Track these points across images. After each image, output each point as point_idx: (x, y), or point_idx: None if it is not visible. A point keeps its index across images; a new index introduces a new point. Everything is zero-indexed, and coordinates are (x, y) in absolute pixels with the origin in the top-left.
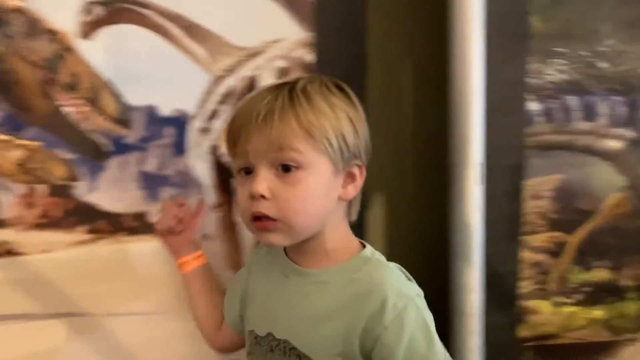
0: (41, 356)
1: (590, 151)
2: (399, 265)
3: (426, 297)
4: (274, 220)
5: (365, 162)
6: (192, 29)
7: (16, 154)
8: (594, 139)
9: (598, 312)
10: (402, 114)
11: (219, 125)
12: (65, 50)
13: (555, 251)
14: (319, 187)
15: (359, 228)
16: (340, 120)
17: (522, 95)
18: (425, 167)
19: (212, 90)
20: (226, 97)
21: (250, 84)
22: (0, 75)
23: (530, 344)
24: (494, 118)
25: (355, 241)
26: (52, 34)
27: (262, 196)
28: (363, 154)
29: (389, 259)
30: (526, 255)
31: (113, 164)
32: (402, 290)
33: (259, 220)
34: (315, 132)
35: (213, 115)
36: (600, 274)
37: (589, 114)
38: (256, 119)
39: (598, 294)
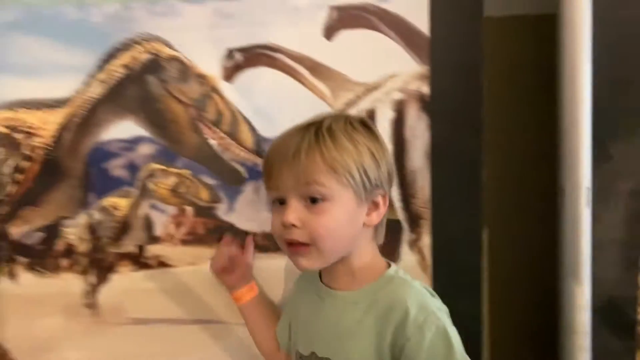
0: (182, 356)
1: None
2: (422, 283)
3: (536, 315)
4: (306, 245)
5: (389, 191)
6: (316, 69)
7: (169, 181)
8: None
9: None
10: (515, 141)
11: None
12: (211, 91)
13: None
14: (343, 216)
15: (474, 247)
16: (362, 155)
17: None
18: (535, 190)
19: None
20: None
21: (370, 116)
22: (157, 114)
23: None
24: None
25: (382, 262)
26: (201, 78)
27: (293, 225)
28: (386, 184)
29: (499, 278)
30: None
31: (248, 189)
32: (423, 305)
33: (292, 245)
34: (339, 168)
35: None
36: None
37: None
38: (285, 156)
39: None
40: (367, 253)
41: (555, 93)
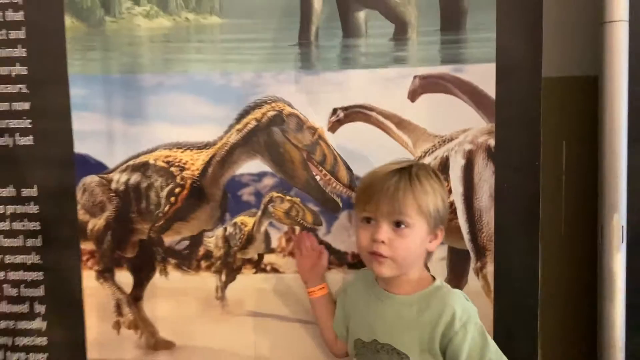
0: (284, 347)
1: None
2: (462, 292)
3: (577, 332)
4: (385, 257)
5: (445, 225)
6: (402, 124)
7: (285, 205)
8: None
9: None
10: (564, 183)
11: None
12: (319, 139)
13: None
14: (417, 241)
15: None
16: (437, 198)
17: None
18: (578, 227)
19: None
20: None
21: (444, 163)
22: (278, 156)
23: None
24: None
25: (428, 275)
26: (312, 129)
27: (383, 242)
28: (445, 221)
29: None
30: None
31: (343, 216)
32: (465, 308)
33: (376, 255)
34: (423, 206)
35: None
36: None
37: None
38: (386, 192)
39: None
40: (420, 268)
41: (597, 142)
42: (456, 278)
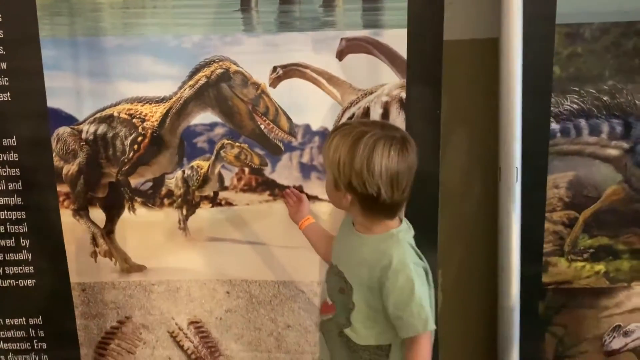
0: (238, 264)
1: (595, 156)
2: (413, 245)
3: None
4: None
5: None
6: (331, 79)
7: (234, 151)
8: (597, 148)
9: (600, 267)
10: (466, 131)
11: None
12: (262, 93)
13: (569, 224)
14: (328, 187)
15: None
16: (337, 155)
17: (547, 120)
18: (481, 169)
19: (342, 115)
20: (350, 118)
21: (365, 112)
22: (227, 108)
23: (550, 287)
24: (528, 135)
25: (396, 222)
26: (256, 85)
27: None
28: (345, 185)
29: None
30: (549, 226)
31: (285, 157)
32: (402, 259)
33: None
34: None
35: None
36: (602, 240)
37: (594, 131)
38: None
39: (600, 254)
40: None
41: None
42: None
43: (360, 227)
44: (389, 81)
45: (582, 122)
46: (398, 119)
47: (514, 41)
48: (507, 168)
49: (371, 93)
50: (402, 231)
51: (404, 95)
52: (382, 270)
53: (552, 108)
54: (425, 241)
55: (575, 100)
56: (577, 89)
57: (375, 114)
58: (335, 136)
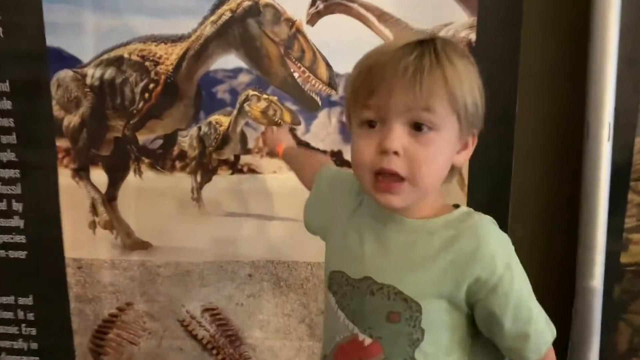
0: (265, 243)
1: None
2: (492, 218)
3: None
4: (400, 180)
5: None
6: (383, 17)
7: (261, 104)
8: None
9: None
10: (547, 81)
11: None
12: (297, 32)
13: None
14: (446, 151)
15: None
16: (474, 88)
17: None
18: (562, 128)
19: None
20: None
21: None
22: (254, 50)
23: (630, 268)
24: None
25: (440, 199)
26: (289, 22)
27: (395, 153)
28: (480, 124)
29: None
30: (633, 197)
31: (322, 115)
32: (503, 242)
33: (384, 178)
34: (459, 97)
35: None
36: None
37: None
38: (403, 74)
39: None
40: (437, 192)
41: (586, 39)
42: None
43: (417, 210)
44: (455, 20)
45: None
46: None
47: None
48: (597, 123)
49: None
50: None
51: (473, 37)
52: (483, 268)
53: None
54: (494, 206)
55: None
56: None
57: None
58: (449, 55)
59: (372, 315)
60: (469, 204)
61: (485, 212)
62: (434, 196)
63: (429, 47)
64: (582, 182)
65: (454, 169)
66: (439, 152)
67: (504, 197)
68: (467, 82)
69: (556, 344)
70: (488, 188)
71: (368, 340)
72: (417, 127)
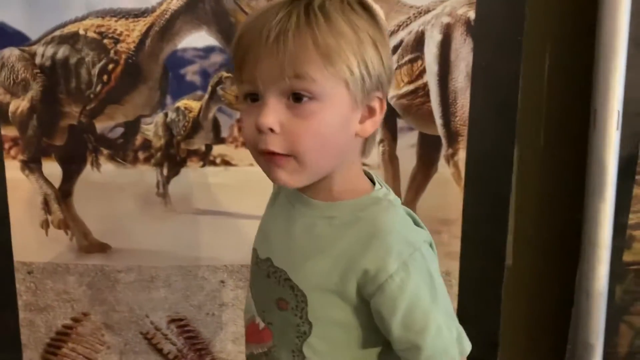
0: (237, 246)
1: None
2: (409, 210)
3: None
4: (285, 155)
5: (387, 94)
6: None
7: (234, 89)
8: None
9: None
10: (552, 65)
11: None
12: None
13: None
14: (334, 122)
15: (505, 163)
16: (364, 44)
17: None
18: (568, 111)
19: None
20: (396, 49)
21: (419, 37)
22: (228, 27)
23: (633, 267)
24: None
25: (366, 181)
26: None
27: (271, 130)
28: (385, 85)
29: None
30: (638, 191)
31: None
32: (408, 238)
33: (267, 154)
34: (335, 58)
35: None
36: None
37: None
38: (266, 39)
39: None
40: (352, 169)
41: (594, 20)
42: (425, 167)
43: (315, 189)
44: None
45: None
46: (463, 47)
47: None
48: (605, 111)
49: (427, 12)
50: (386, 188)
51: (472, 15)
52: (374, 261)
53: None
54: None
55: None
56: None
57: (432, 41)
58: (324, 9)
59: (265, 298)
60: (465, 199)
61: (485, 208)
62: (348, 174)
63: (299, 4)
64: (587, 174)
65: (367, 141)
66: (324, 124)
67: (504, 192)
68: (351, 40)
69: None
70: (487, 182)
71: (262, 325)
72: (296, 97)
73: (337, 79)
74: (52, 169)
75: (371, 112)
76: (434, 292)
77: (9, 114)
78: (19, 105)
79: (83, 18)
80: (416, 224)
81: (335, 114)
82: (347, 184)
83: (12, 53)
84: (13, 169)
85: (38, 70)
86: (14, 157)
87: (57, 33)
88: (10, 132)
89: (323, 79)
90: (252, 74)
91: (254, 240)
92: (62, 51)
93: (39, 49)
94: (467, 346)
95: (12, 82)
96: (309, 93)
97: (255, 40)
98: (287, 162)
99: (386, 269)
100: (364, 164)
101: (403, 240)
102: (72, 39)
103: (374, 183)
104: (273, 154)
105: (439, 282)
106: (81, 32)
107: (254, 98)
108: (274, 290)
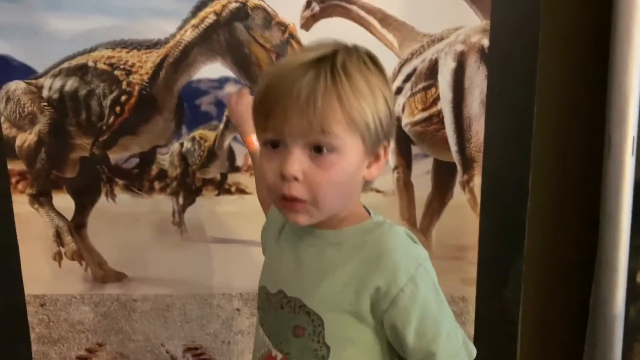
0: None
1: None
2: (406, 230)
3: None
4: (303, 201)
5: (390, 142)
6: (386, 20)
7: None
8: None
9: None
10: (566, 91)
11: (402, 100)
12: (290, 38)
13: None
14: (350, 170)
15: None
16: (378, 103)
17: None
18: (577, 138)
19: (399, 71)
20: (409, 76)
21: (432, 65)
22: (242, 57)
23: None
24: None
25: (362, 208)
26: (282, 26)
27: (295, 178)
28: (391, 135)
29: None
30: None
31: None
32: (412, 255)
33: (287, 200)
34: (357, 117)
35: (398, 91)
36: None
37: None
38: (297, 98)
39: None
40: (353, 203)
41: (607, 47)
42: (440, 193)
43: (326, 222)
44: (466, 23)
45: None
46: (477, 74)
47: None
48: (620, 137)
49: (441, 40)
50: (381, 216)
51: (485, 42)
52: (385, 278)
53: None
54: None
55: None
56: None
57: (446, 69)
58: (347, 71)
59: (281, 329)
60: (481, 225)
61: (500, 234)
62: (348, 209)
63: (325, 65)
64: (602, 199)
65: (367, 184)
66: (341, 173)
67: (519, 218)
68: (369, 99)
69: None
70: (502, 208)
71: (279, 356)
72: (317, 149)
73: (356, 133)
74: (64, 201)
75: (377, 158)
76: (440, 302)
77: (16, 148)
78: (26, 139)
79: (92, 50)
80: (414, 242)
81: (351, 163)
82: (350, 213)
83: (17, 86)
84: (21, 203)
85: (45, 103)
86: (21, 191)
87: (65, 65)
88: (17, 166)
89: (345, 134)
90: (279, 126)
91: (260, 280)
92: (71, 83)
93: (46, 81)
94: (473, 350)
95: (18, 115)
96: (330, 146)
97: (285, 96)
98: (305, 206)
99: (397, 283)
100: (378, 191)
101: (408, 257)
102: (80, 71)
103: (366, 209)
104: (294, 200)
105: (441, 292)
106: (90, 63)
107: (275, 144)
108: (289, 319)
